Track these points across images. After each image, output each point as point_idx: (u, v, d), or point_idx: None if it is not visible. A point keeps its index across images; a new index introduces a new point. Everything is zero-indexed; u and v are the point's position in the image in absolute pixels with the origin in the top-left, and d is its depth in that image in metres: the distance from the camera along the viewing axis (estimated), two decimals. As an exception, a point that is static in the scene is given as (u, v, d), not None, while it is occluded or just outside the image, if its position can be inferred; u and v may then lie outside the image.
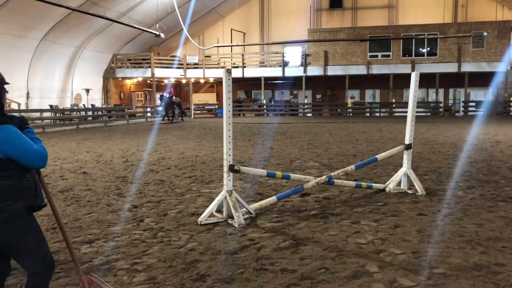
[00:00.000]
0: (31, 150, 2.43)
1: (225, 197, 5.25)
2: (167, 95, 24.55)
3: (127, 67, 31.56)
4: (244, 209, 5.38)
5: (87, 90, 27.43)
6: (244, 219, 5.18)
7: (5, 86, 2.59)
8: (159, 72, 31.45)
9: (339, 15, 35.75)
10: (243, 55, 32.39)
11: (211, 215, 5.31)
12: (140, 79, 32.78)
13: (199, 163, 9.97)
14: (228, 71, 5.12)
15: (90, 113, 26.00)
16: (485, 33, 26.60)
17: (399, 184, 6.82)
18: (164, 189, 7.20)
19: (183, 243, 4.52)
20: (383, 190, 6.75)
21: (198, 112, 32.27)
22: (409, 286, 3.43)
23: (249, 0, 36.74)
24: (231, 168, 5.21)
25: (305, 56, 31.36)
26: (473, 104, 30.64)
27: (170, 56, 34.86)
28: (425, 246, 4.31)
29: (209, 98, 36.54)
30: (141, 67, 31.44)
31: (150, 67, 30.84)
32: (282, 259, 4.02)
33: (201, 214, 5.41)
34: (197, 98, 35.10)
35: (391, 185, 6.75)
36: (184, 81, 34.46)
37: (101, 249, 4.39)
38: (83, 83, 27.92)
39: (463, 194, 6.55)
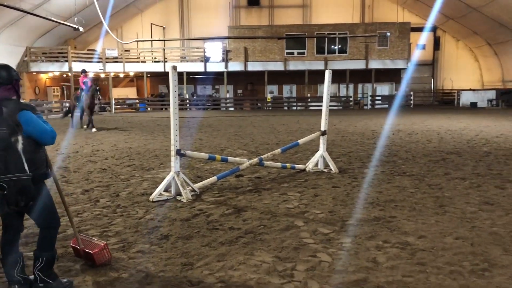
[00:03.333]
0: (46, 130, 3.13)
1: (173, 177, 6.06)
2: (87, 83, 16.32)
3: (42, 61, 30.42)
4: (190, 187, 6.23)
5: (-1, 85, 26.17)
6: (191, 196, 6.04)
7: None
8: (77, 66, 30.65)
9: (257, 13, 37.20)
10: (164, 49, 32.62)
11: (160, 194, 6.09)
12: (56, 73, 31.73)
13: (134, 153, 10.55)
14: (174, 68, 5.93)
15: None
16: (388, 33, 29.32)
17: (316, 164, 8.04)
18: (109, 176, 7.81)
19: (142, 215, 5.30)
20: (304, 170, 7.94)
21: (119, 107, 32.01)
22: (327, 232, 4.54)
23: (169, -5, 36.93)
24: (178, 152, 6.04)
25: (226, 52, 32.35)
26: (379, 98, 33.61)
27: (88, 50, 34.09)
28: (338, 208, 5.49)
29: (129, 92, 36.23)
30: (57, 61, 30.47)
31: (67, 61, 30.01)
32: (228, 221, 4.97)
33: (150, 194, 6.18)
34: (117, 93, 34.68)
35: (310, 165, 7.96)
36: (103, 75, 33.89)
37: (69, 223, 5.02)
38: (-6, 77, 26.56)
39: (368, 171, 7.93)
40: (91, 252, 3.63)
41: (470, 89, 34.94)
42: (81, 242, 3.76)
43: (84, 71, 17.26)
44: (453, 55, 37.20)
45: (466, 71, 37.14)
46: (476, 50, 36.63)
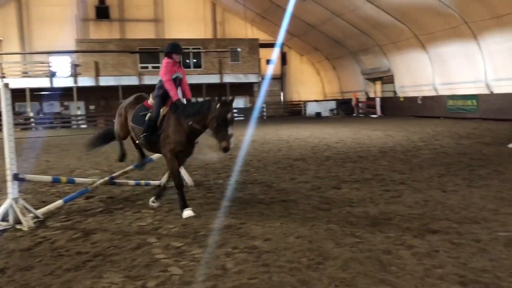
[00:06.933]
0: None
1: (11, 205, 5.53)
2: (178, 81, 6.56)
3: None
4: (32, 214, 5.74)
5: None
6: (33, 223, 5.57)
7: None
8: None
9: (107, 26, 35.86)
10: (1, 64, 29.49)
11: (-4, 225, 5.50)
12: None
13: (-34, 181, 9.32)
14: (6, 86, 5.45)
15: None
16: (239, 49, 30.77)
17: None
18: None
19: (-27, 250, 4.72)
20: (159, 185, 7.87)
21: None
22: (179, 246, 4.60)
23: (4, 5, 33.56)
24: (16, 177, 5.53)
25: (74, 66, 30.53)
26: (235, 111, 34.86)
27: None
28: (192, 220, 5.58)
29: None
30: None
31: None
32: (75, 246, 4.71)
33: (-16, 225, 5.54)
34: None
35: (164, 180, 7.91)
36: None
37: None
38: None
39: (222, 182, 8.21)
40: None
41: (315, 100, 38.34)
42: None
43: (175, 48, 6.49)
44: (298, 70, 40.47)
45: (310, 84, 40.68)
46: (317, 65, 40.37)
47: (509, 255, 3.99)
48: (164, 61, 6.41)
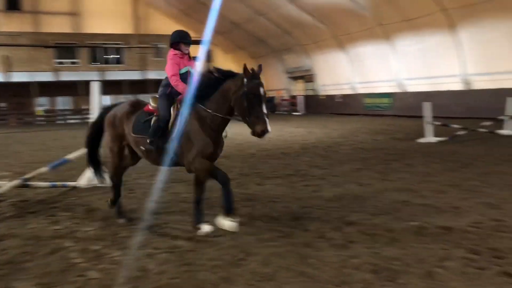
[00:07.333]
0: None
1: None
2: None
3: None
4: None
5: None
6: None
7: None
8: None
9: (19, 19, 33.51)
10: None
11: None
12: None
13: None
14: None
15: None
16: (159, 45, 30.18)
17: (92, 180, 7.70)
18: None
19: None
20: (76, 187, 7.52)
21: None
22: (97, 249, 4.43)
23: None
24: None
25: (-19, 60, 28.26)
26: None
27: None
28: (111, 222, 5.39)
29: None
30: None
31: None
32: (-19, 255, 4.36)
33: None
34: None
35: (82, 181, 7.58)
36: None
37: None
38: None
39: (145, 181, 8.00)
40: None
41: (240, 98, 38.63)
42: None
43: (183, 37, 5.72)
44: (224, 68, 40.50)
45: (236, 82, 40.92)
46: (242, 63, 40.63)
47: (418, 244, 4.28)
48: (170, 52, 5.42)
